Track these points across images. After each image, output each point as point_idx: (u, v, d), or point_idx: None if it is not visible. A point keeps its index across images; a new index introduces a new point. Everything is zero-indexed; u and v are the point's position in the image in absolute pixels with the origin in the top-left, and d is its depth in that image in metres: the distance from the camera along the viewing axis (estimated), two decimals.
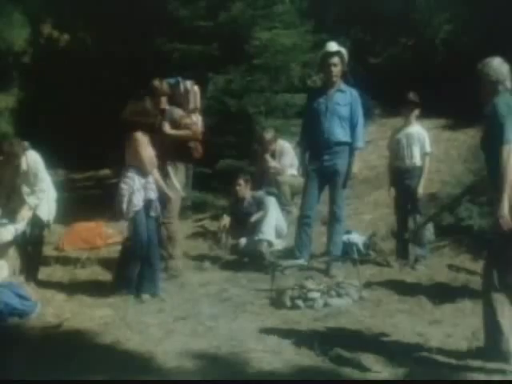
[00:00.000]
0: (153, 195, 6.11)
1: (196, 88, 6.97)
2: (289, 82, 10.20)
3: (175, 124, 6.77)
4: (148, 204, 6.06)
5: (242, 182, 7.72)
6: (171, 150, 6.73)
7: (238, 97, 9.49)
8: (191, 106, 6.91)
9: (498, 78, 4.40)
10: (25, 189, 6.52)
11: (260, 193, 7.85)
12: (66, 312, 5.55)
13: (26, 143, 6.58)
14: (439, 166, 9.17)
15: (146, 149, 6.06)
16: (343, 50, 6.98)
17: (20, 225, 6.43)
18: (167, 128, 6.72)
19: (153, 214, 6.12)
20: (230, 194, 8.18)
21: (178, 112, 6.81)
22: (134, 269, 6.02)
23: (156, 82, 6.71)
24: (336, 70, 6.96)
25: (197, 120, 6.94)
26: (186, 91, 6.92)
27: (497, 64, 4.45)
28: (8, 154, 6.48)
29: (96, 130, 10.20)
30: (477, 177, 7.73)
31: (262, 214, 7.40)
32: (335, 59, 6.94)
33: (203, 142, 6.99)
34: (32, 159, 6.53)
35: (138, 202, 5.98)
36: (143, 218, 6.03)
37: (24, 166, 6.48)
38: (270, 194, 7.95)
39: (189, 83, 6.96)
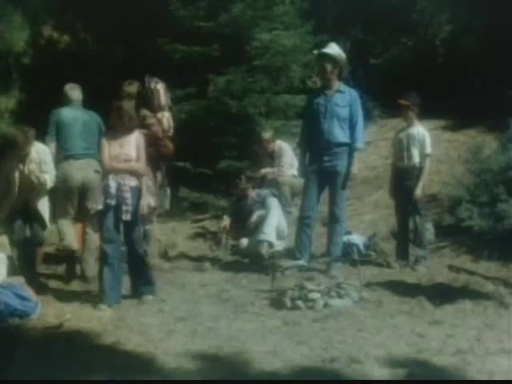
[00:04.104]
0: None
1: (159, 86, 7.08)
2: (289, 82, 10.21)
3: (141, 124, 6.85)
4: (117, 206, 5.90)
5: (243, 178, 7.76)
6: None
7: (238, 98, 9.49)
8: (155, 104, 7.01)
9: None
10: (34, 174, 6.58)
11: (265, 191, 7.86)
12: (67, 312, 5.55)
13: (33, 130, 6.67)
14: (439, 166, 9.17)
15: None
16: (333, 52, 6.92)
17: None
18: None
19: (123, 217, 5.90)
20: (231, 194, 8.20)
21: (143, 112, 6.95)
22: (107, 275, 5.89)
23: (124, 85, 6.89)
24: (323, 72, 7.00)
25: (162, 118, 7.05)
26: (151, 90, 7.02)
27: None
28: (17, 142, 6.53)
29: None
30: (477, 178, 7.73)
31: (264, 214, 7.39)
32: (323, 61, 6.96)
33: (173, 138, 7.17)
34: (41, 149, 6.68)
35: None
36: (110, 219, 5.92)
37: (34, 154, 6.55)
38: (273, 195, 7.96)
39: (153, 82, 7.06)
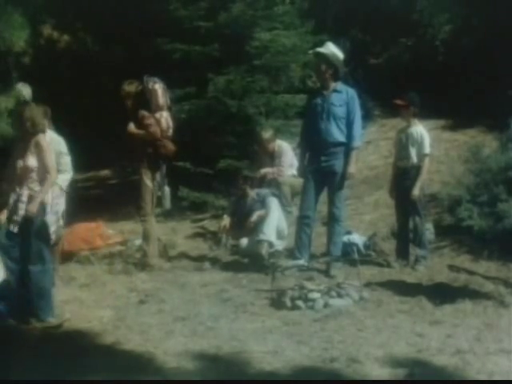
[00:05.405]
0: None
1: (157, 86, 7.07)
2: (289, 82, 10.21)
3: (139, 124, 6.97)
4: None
5: (240, 178, 7.76)
6: (139, 149, 6.98)
7: (238, 97, 9.49)
8: (154, 104, 7.03)
9: None
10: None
11: (265, 191, 7.85)
12: (66, 313, 5.55)
13: (47, 109, 6.58)
14: (439, 166, 9.17)
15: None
16: (326, 51, 6.88)
17: None
18: (129, 128, 6.98)
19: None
20: (231, 194, 8.20)
21: (141, 113, 6.99)
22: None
23: (124, 84, 6.90)
24: (317, 72, 7.05)
25: (160, 118, 7.05)
26: (149, 90, 7.03)
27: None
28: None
29: (96, 130, 10.20)
30: (477, 177, 7.73)
31: (264, 214, 7.39)
32: (318, 61, 6.98)
33: (173, 137, 7.17)
34: (56, 139, 6.57)
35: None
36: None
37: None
38: (273, 194, 7.97)
39: (151, 82, 7.07)
